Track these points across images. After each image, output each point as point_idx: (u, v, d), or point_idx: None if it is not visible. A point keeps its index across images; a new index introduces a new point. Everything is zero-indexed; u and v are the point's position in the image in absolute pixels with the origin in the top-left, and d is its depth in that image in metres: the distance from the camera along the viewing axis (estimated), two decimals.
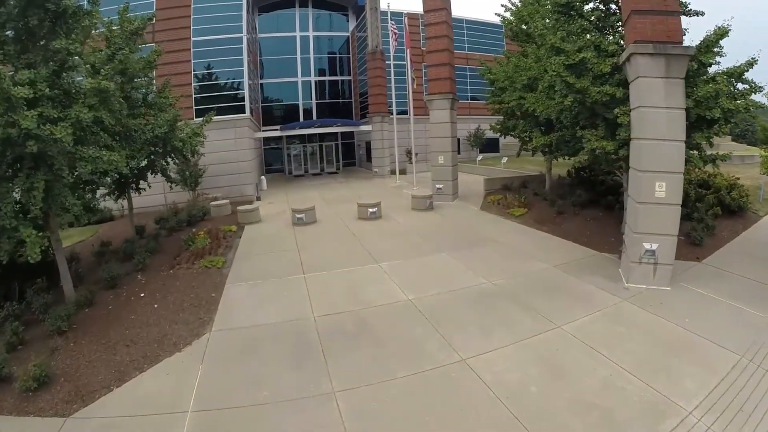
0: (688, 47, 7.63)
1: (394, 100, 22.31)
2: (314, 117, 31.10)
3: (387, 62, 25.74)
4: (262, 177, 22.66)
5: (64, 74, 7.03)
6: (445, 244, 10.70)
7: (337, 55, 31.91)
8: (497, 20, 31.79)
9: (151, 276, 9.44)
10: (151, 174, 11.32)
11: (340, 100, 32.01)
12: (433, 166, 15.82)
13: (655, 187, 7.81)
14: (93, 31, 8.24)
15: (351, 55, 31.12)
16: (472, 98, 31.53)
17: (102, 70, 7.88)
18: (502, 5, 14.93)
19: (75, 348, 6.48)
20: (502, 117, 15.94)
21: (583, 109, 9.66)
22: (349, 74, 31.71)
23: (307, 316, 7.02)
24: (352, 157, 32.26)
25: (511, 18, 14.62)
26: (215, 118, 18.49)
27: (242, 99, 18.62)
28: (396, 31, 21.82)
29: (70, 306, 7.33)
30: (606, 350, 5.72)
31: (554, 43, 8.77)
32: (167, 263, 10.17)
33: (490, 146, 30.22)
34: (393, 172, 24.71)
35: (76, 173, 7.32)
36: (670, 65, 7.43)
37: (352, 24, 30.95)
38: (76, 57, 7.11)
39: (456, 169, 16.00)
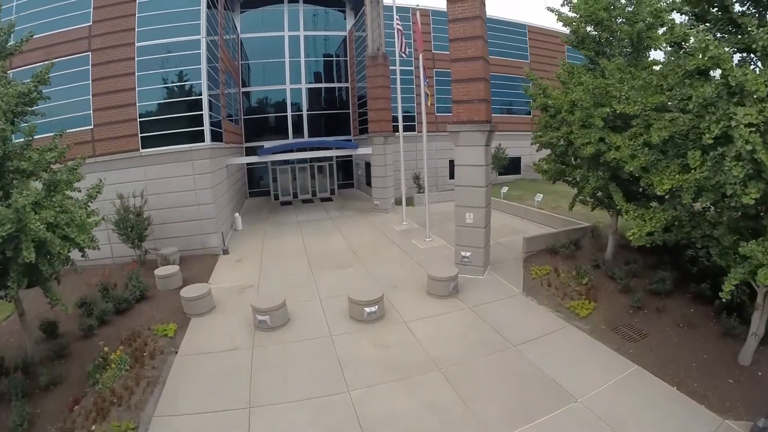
0: None
1: (400, 113, 17.70)
2: (305, 130, 26.63)
3: (392, 67, 21.11)
4: (237, 215, 18.28)
5: None
6: (490, 410, 6.32)
7: (333, 59, 27.29)
8: (519, 19, 27.22)
9: None
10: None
11: (336, 111, 27.44)
12: (459, 227, 11.36)
13: None
14: None
15: (348, 59, 26.51)
16: None
17: None
18: None
19: None
20: (549, 149, 11.47)
21: None
22: (347, 80, 27.11)
23: None
24: (349, 176, 27.79)
25: (574, 15, 10.05)
26: (167, 148, 14.20)
27: (200, 123, 14.16)
28: (401, 28, 17.16)
29: None
30: None
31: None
32: (59, 419, 6.37)
33: (510, 167, 25.70)
34: (398, 202, 20.34)
35: None
36: None
37: (349, 22, 26.31)
38: None
39: (489, 230, 11.54)
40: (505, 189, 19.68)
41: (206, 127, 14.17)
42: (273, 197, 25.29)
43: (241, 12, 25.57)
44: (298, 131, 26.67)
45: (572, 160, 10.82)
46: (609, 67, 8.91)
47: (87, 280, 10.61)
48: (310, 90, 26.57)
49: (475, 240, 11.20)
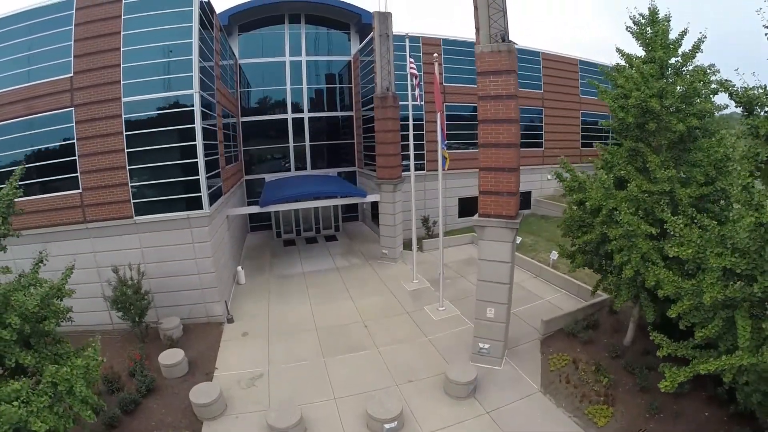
0: None
1: (412, 152, 16.52)
2: (308, 161, 25.57)
3: (402, 102, 19.74)
4: (239, 269, 17.34)
5: None
6: None
7: (336, 86, 26.01)
8: (531, 45, 25.43)
9: None
10: None
11: (340, 141, 26.30)
12: (478, 319, 10.51)
13: None
14: None
15: (353, 86, 25.27)
16: None
17: None
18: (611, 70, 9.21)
19: None
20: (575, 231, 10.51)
21: None
22: (351, 108, 25.91)
23: None
24: (354, 209, 26.72)
25: (622, 86, 8.89)
26: (163, 216, 12.97)
27: (197, 188, 13.08)
28: (415, 71, 15.89)
29: None
30: None
31: None
32: None
33: (521, 203, 24.65)
34: (406, 245, 19.41)
35: None
36: None
37: (355, 46, 25.00)
38: None
39: (508, 324, 10.73)
40: (518, 240, 18.74)
41: (204, 193, 13.10)
42: (275, 234, 24.26)
43: (239, 35, 24.21)
44: (300, 164, 25.59)
45: (603, 252, 9.87)
46: (657, 174, 7.96)
47: None
48: (312, 119, 25.37)
49: (494, 334, 10.37)
